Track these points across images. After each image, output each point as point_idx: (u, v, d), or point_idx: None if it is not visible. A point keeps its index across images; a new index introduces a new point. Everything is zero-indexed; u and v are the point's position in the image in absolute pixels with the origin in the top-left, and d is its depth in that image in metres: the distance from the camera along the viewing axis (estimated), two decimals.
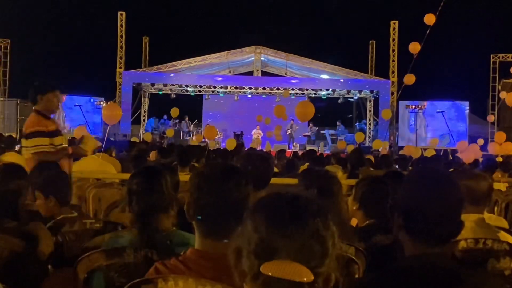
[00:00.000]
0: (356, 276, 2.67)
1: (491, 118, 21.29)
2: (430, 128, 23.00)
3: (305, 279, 1.23)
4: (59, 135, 5.09)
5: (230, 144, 14.29)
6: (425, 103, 22.44)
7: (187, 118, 24.17)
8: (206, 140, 21.28)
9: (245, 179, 2.07)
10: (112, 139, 18.00)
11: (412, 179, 2.08)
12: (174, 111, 20.74)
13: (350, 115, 27.30)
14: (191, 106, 26.49)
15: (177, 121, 23.40)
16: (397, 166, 9.20)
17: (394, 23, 23.86)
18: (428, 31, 15.48)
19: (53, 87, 5.12)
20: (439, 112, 22.62)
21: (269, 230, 1.31)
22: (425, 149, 16.83)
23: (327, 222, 1.34)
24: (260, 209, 1.38)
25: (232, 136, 21.94)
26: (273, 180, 3.61)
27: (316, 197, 1.42)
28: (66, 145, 5.22)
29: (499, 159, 12.36)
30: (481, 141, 17.29)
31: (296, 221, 1.31)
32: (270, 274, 1.23)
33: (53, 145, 4.94)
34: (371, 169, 7.51)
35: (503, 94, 16.69)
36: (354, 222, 3.57)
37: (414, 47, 16.33)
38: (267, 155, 3.89)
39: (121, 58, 23.92)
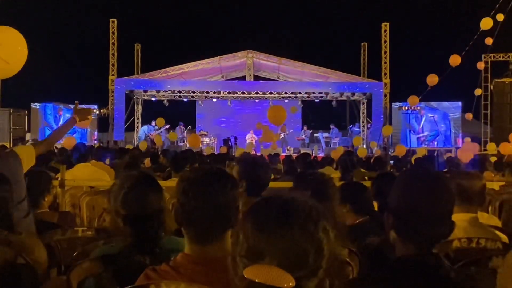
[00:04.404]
0: (350, 277, 2.66)
1: (469, 116, 21.33)
2: (425, 129, 23.26)
3: (286, 285, 1.22)
4: None
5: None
6: (419, 107, 22.66)
7: (182, 125, 24.11)
8: (201, 146, 21.29)
9: (231, 182, 2.06)
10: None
11: (403, 180, 2.08)
12: (160, 121, 20.66)
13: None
14: (184, 112, 26.49)
15: (168, 126, 22.96)
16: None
17: (386, 25, 23.92)
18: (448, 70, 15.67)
19: None
20: (431, 116, 22.94)
21: (256, 234, 1.32)
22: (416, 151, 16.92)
23: (320, 223, 1.34)
24: (249, 214, 1.39)
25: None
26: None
27: (311, 200, 1.41)
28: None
29: (493, 158, 12.40)
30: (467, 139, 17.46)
31: (282, 223, 1.31)
32: (253, 278, 1.23)
33: None
34: (364, 171, 7.52)
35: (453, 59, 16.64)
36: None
37: (432, 79, 16.41)
38: (264, 160, 3.90)
39: (113, 65, 23.88)
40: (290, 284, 1.22)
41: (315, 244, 1.31)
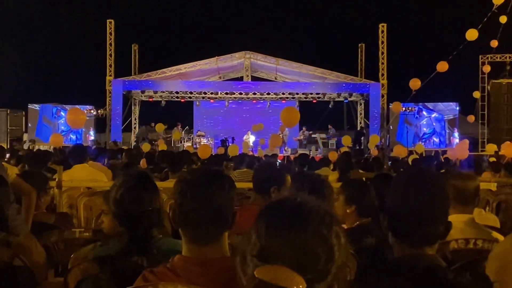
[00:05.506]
0: (348, 278, 2.66)
1: (471, 118, 21.36)
2: (422, 129, 23.37)
3: (297, 286, 1.22)
4: None
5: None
6: (415, 108, 22.79)
7: (179, 126, 24.09)
8: (198, 147, 21.29)
9: (229, 183, 2.05)
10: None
11: (398, 181, 2.08)
12: (159, 127, 20.65)
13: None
14: (182, 113, 26.48)
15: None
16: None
17: (383, 26, 23.95)
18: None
19: None
20: (427, 116, 23.07)
21: (269, 234, 1.32)
22: (415, 151, 16.95)
23: (333, 228, 1.34)
24: (263, 214, 1.39)
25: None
26: None
27: (324, 204, 1.42)
28: None
29: (492, 159, 12.42)
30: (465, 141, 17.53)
31: (295, 225, 1.32)
32: (264, 278, 1.23)
33: None
34: (362, 171, 7.51)
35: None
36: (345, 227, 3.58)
37: (415, 84, 16.37)
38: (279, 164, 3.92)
39: (110, 66, 23.86)
40: (301, 286, 1.22)
41: (327, 248, 1.31)
